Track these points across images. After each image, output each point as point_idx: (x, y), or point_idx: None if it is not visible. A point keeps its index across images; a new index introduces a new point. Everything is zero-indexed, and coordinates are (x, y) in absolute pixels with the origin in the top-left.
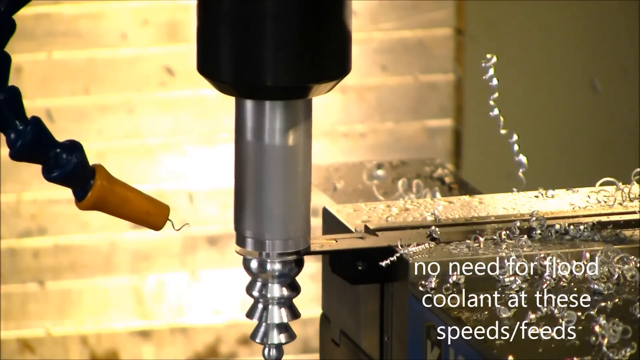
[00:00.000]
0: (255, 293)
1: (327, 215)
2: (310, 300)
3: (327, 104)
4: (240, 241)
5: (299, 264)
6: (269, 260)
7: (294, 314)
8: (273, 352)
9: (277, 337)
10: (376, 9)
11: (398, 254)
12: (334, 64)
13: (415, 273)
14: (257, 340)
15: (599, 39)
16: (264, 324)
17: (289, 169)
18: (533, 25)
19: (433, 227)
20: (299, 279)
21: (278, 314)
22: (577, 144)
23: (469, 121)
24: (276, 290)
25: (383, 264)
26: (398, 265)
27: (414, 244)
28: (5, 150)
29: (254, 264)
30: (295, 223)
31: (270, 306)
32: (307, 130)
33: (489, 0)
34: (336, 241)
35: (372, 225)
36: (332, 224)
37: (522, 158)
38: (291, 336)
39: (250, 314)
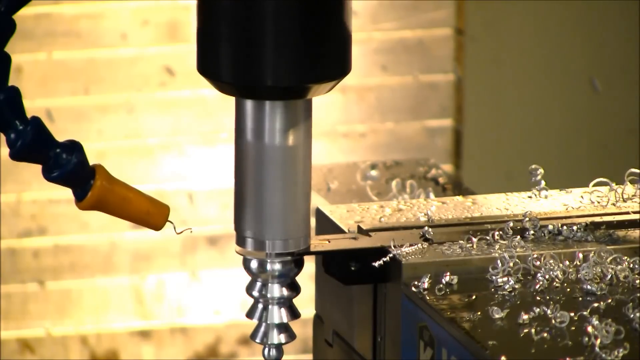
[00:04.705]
0: (255, 293)
1: (320, 216)
2: (310, 300)
3: (327, 104)
4: (240, 241)
5: (299, 264)
6: (268, 260)
7: (294, 314)
8: (273, 352)
9: (277, 337)
10: (376, 9)
11: (391, 255)
12: (334, 64)
13: (408, 273)
14: (257, 340)
15: (599, 39)
16: (264, 324)
17: (289, 169)
18: (533, 25)
19: (426, 228)
20: (298, 279)
21: (278, 314)
22: (577, 144)
23: (469, 121)
24: (276, 290)
25: (376, 264)
26: (391, 266)
27: (407, 244)
28: (5, 150)
29: (254, 264)
30: (295, 223)
31: (270, 306)
32: (307, 130)
33: (489, 0)
34: (329, 242)
35: (365, 225)
36: (325, 225)
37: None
38: (291, 336)
39: (250, 314)
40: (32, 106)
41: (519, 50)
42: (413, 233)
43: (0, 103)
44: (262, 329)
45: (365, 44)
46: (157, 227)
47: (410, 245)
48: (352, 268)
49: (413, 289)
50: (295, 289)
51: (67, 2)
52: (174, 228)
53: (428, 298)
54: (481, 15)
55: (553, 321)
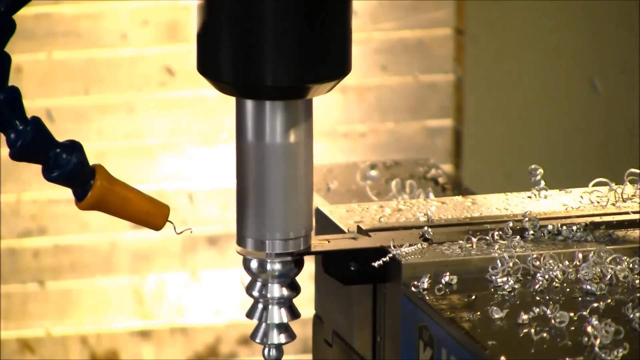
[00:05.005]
0: (255, 293)
1: (320, 216)
2: (310, 300)
3: (327, 104)
4: (241, 241)
5: (299, 264)
6: (269, 260)
7: (294, 314)
8: (273, 352)
9: (277, 337)
10: (376, 9)
11: (390, 255)
12: (334, 64)
13: (408, 274)
14: (257, 340)
15: (599, 39)
16: (264, 324)
17: (290, 169)
18: (533, 25)
19: (426, 228)
20: (298, 279)
21: (278, 314)
22: (577, 144)
23: (469, 121)
24: (276, 290)
25: (375, 264)
26: (390, 266)
27: (406, 244)
28: (5, 150)
29: (254, 264)
30: (296, 223)
31: (270, 306)
32: (308, 130)
33: (489, 0)
34: (329, 242)
35: (364, 225)
36: (325, 225)
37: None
38: (291, 336)
39: (250, 314)
40: (32, 106)
41: (519, 50)
42: (413, 233)
43: (0, 103)
44: (262, 329)
45: (365, 44)
46: (157, 227)
47: (410, 245)
48: (352, 268)
49: (413, 289)
50: (295, 289)
51: (67, 2)
52: (174, 228)
53: (427, 298)
54: (481, 15)
55: (552, 321)
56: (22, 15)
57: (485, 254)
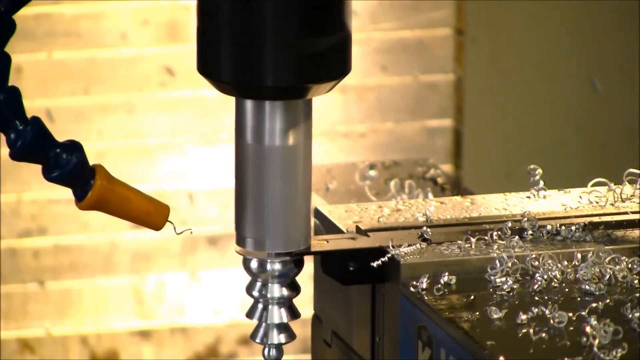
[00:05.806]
0: (255, 293)
1: (319, 216)
2: (310, 300)
3: (327, 104)
4: (240, 241)
5: (299, 264)
6: (268, 260)
7: (294, 314)
8: (273, 352)
9: (277, 337)
10: (376, 9)
11: (389, 255)
12: (333, 64)
13: (407, 274)
14: (257, 340)
15: (599, 39)
16: (264, 324)
17: (289, 169)
18: (533, 25)
19: (424, 228)
20: (298, 279)
21: (278, 314)
22: (576, 144)
23: (469, 121)
24: (276, 290)
25: (374, 264)
26: (389, 266)
27: (405, 244)
28: (5, 150)
29: (254, 264)
30: (295, 223)
31: (270, 306)
32: (307, 130)
33: (489, 0)
34: (327, 242)
35: (363, 225)
36: (324, 225)
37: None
38: (291, 336)
39: (250, 314)
40: (32, 106)
41: (519, 50)
42: (411, 233)
43: (0, 103)
44: (262, 329)
45: (365, 44)
46: (157, 227)
47: (409, 245)
48: (351, 268)
49: (411, 289)
50: (295, 289)
51: (67, 2)
52: (174, 228)
53: (426, 298)
54: (481, 15)
55: (551, 321)
56: (22, 15)
57: (484, 254)
